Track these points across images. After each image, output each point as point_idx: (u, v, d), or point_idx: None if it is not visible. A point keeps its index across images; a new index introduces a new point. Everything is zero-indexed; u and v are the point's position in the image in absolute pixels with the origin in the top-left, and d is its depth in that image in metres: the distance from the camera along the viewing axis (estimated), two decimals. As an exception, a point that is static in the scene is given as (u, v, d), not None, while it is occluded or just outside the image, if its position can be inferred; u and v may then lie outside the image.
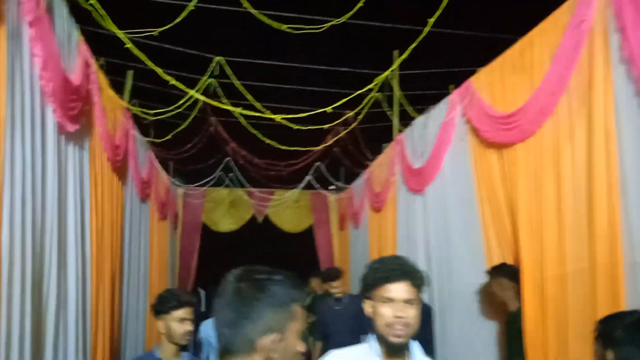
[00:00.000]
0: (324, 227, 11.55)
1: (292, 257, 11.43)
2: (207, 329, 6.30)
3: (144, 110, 5.01)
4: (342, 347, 2.23)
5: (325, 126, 5.04)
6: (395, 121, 6.29)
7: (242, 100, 4.94)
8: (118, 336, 5.40)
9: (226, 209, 11.12)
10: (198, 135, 7.31)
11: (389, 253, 7.00)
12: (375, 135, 7.25)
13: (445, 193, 5.46)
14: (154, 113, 4.79)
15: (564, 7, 3.47)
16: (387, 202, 7.25)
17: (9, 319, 2.50)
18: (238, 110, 4.08)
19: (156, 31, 3.73)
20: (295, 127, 4.46)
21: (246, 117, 4.61)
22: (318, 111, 4.13)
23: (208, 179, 8.61)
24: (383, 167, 7.51)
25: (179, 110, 4.79)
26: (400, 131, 6.70)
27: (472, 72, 4.92)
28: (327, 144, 6.55)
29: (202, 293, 11.21)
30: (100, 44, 4.49)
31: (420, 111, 5.89)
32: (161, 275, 8.14)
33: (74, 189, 3.72)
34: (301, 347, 1.45)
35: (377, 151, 7.93)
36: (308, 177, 8.57)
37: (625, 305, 2.73)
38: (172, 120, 5.82)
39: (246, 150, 7.83)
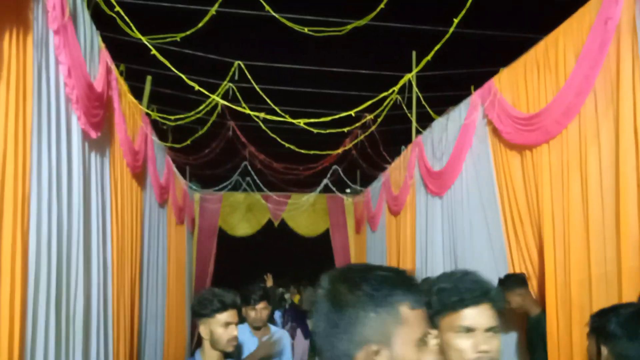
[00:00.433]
0: (341, 230, 11.52)
1: (308, 262, 11.42)
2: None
3: (164, 115, 5.02)
4: None
5: (346, 129, 5.01)
6: (414, 123, 6.25)
7: (259, 104, 4.94)
8: (137, 340, 5.40)
9: (242, 213, 11.14)
10: (215, 139, 7.31)
11: (407, 257, 6.96)
12: (394, 137, 7.21)
13: (465, 196, 5.40)
14: (175, 118, 4.79)
15: (590, 5, 3.42)
16: (406, 206, 7.20)
17: (34, 325, 2.50)
18: (261, 115, 4.06)
19: (178, 36, 3.73)
20: (316, 131, 4.44)
21: (265, 121, 4.59)
22: (342, 115, 4.10)
23: (225, 184, 8.62)
24: (401, 169, 7.47)
25: (198, 116, 4.80)
26: (418, 133, 6.66)
27: (491, 73, 4.87)
28: (346, 147, 6.51)
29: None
30: (115, 49, 4.51)
31: (439, 113, 5.84)
32: (179, 279, 8.17)
33: (96, 195, 3.74)
34: (420, 358, 1.14)
35: (394, 154, 7.89)
36: (326, 181, 8.55)
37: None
38: (190, 125, 5.83)
39: (263, 154, 7.83)
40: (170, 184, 7.32)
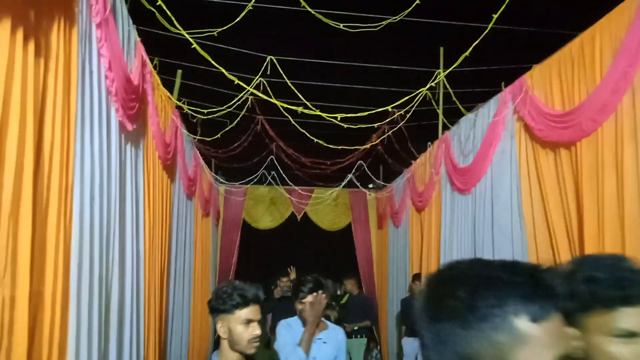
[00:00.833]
0: (363, 225, 11.52)
1: (330, 256, 11.47)
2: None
3: (197, 109, 5.08)
4: None
5: (376, 124, 5.01)
6: (441, 119, 6.22)
7: (287, 98, 4.96)
8: (165, 332, 5.49)
9: (266, 206, 11.22)
10: (242, 133, 7.37)
11: (432, 254, 6.94)
12: (420, 133, 7.19)
13: (492, 193, 5.36)
14: (207, 112, 4.84)
15: (629, 1, 3.37)
16: (431, 202, 7.18)
17: (78, 314, 2.56)
18: (299, 109, 4.08)
19: (216, 31, 3.77)
20: (346, 126, 4.45)
21: (295, 116, 4.61)
22: (378, 110, 4.10)
23: (252, 177, 8.68)
24: (427, 165, 7.44)
25: (230, 110, 4.84)
26: (445, 129, 6.63)
27: (520, 70, 4.82)
28: (375, 142, 6.51)
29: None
30: (146, 43, 4.57)
31: (466, 109, 5.81)
32: (204, 271, 8.26)
33: (131, 186, 3.81)
34: None
35: (419, 149, 7.86)
36: (350, 175, 8.56)
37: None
38: (219, 118, 5.88)
39: (291, 149, 7.86)
40: (198, 177, 7.41)
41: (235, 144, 7.42)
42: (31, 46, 2.07)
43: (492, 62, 6.09)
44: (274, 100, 4.16)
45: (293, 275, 7.84)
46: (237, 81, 3.74)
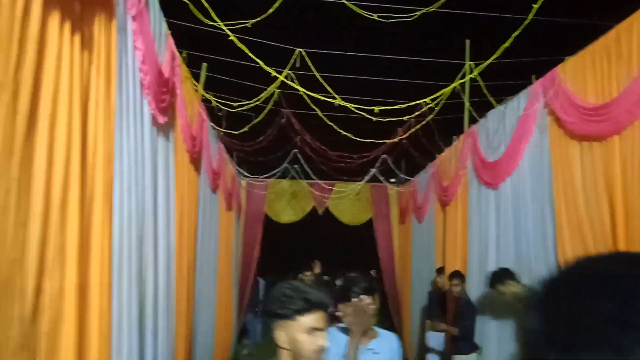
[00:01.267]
0: (384, 220, 11.47)
1: (352, 250, 11.47)
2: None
3: (225, 102, 5.08)
4: None
5: (406, 117, 4.96)
6: (467, 112, 6.15)
7: (314, 91, 4.93)
8: (192, 323, 5.53)
9: (287, 200, 11.23)
10: (267, 126, 7.36)
11: (457, 250, 6.88)
12: (444, 126, 7.11)
13: (521, 188, 5.29)
14: (237, 105, 4.84)
15: (670, -9, 3.28)
16: (457, 197, 7.11)
17: (120, 305, 2.59)
18: (337, 101, 4.04)
19: (249, 22, 3.76)
20: (375, 119, 4.41)
21: (322, 108, 4.59)
22: (415, 102, 4.06)
23: (276, 170, 8.67)
24: (452, 159, 7.37)
25: (258, 103, 4.84)
26: (472, 123, 6.55)
27: (550, 62, 4.74)
28: (403, 137, 6.45)
29: (262, 283, 11.41)
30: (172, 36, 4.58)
31: (496, 102, 5.73)
32: (227, 265, 8.31)
33: (163, 180, 3.83)
34: None
35: (444, 143, 7.79)
36: (374, 170, 8.51)
37: None
38: (244, 112, 5.88)
39: (314, 142, 7.83)
40: (222, 170, 7.43)
41: (261, 138, 7.42)
42: (77, 40, 2.08)
43: (520, 55, 6.00)
44: (308, 93, 4.13)
45: (317, 270, 7.81)
46: (274, 73, 3.73)
